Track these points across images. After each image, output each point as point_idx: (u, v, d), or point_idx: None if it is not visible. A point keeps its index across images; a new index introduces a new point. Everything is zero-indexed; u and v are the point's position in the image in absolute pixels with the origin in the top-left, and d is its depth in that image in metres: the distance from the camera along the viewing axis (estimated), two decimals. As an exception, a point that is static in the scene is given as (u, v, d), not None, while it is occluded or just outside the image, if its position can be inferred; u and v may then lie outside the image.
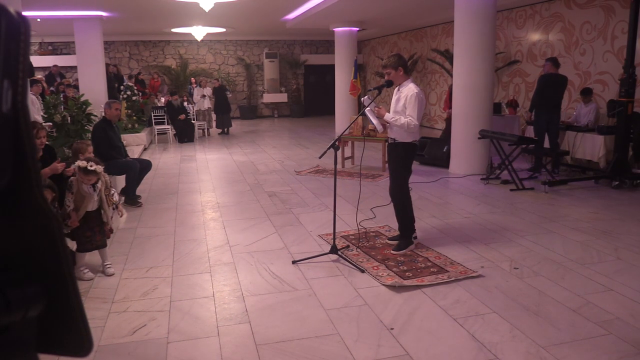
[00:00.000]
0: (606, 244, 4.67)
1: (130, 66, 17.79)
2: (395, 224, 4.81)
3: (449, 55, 12.11)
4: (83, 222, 4.04)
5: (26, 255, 0.78)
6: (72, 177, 4.12)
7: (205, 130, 13.85)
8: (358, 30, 13.84)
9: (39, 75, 13.17)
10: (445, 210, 5.99)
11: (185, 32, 15.74)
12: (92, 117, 7.28)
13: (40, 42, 16.48)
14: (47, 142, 4.96)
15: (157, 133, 12.66)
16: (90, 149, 5.05)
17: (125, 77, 14.99)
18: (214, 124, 14.46)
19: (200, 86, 14.21)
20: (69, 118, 7.04)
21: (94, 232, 4.13)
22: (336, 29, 13.54)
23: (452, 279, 3.91)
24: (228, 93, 14.55)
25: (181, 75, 17.56)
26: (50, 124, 7.15)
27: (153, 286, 3.88)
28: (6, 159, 0.69)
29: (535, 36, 10.23)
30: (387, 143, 4.85)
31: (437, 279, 3.90)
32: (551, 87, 7.63)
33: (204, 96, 13.85)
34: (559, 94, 7.70)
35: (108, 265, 4.18)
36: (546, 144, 7.90)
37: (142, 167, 6.50)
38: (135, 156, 7.93)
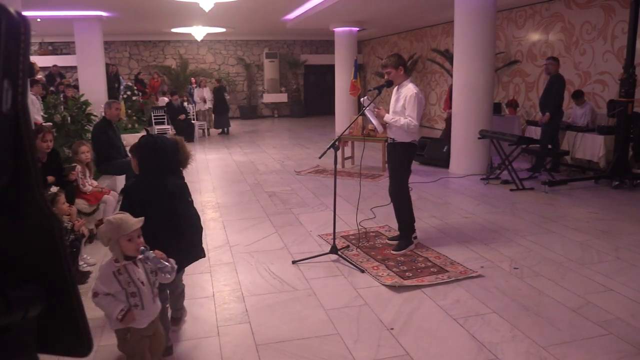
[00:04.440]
0: (606, 244, 4.67)
1: (130, 66, 17.79)
2: (395, 224, 4.81)
3: (449, 55, 12.10)
4: None
5: (26, 255, 0.78)
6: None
7: (205, 130, 13.85)
8: (358, 30, 13.84)
9: (39, 76, 13.16)
10: (445, 210, 5.99)
11: (185, 32, 15.73)
12: (92, 117, 7.28)
13: (40, 42, 16.48)
14: (52, 146, 4.93)
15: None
16: (84, 148, 5.06)
17: (122, 78, 14.97)
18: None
19: (200, 86, 14.19)
20: (69, 118, 7.03)
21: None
22: (336, 29, 13.54)
23: (452, 279, 3.91)
24: (226, 94, 14.54)
25: (181, 75, 17.54)
26: (50, 124, 7.14)
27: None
28: (6, 159, 0.69)
29: (535, 36, 10.23)
30: (386, 143, 4.85)
31: (437, 279, 3.90)
32: (564, 87, 7.67)
33: (203, 99, 13.85)
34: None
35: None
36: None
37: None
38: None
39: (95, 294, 2.26)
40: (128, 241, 2.22)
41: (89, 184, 5.07)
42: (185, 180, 3.01)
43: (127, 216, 2.27)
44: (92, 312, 3.45)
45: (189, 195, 2.96)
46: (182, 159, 2.90)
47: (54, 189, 4.20)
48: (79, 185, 4.95)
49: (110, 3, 10.36)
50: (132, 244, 2.23)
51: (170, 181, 2.80)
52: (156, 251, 2.26)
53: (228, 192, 7.15)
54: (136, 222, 2.24)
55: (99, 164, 6.05)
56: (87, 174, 5.11)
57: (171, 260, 2.31)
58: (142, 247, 2.26)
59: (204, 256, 3.08)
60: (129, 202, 2.82)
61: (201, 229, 3.05)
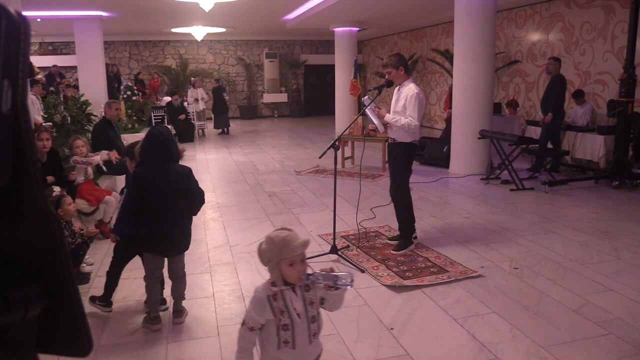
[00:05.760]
0: (606, 244, 4.67)
1: (130, 66, 17.78)
2: (395, 224, 4.81)
3: (449, 55, 12.10)
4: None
5: (26, 255, 0.78)
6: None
7: (204, 130, 13.86)
8: (358, 30, 13.84)
9: (39, 76, 13.17)
10: (445, 210, 5.99)
11: (185, 32, 15.73)
12: (92, 117, 7.28)
13: (40, 42, 16.47)
14: (52, 146, 4.93)
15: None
16: (78, 142, 5.09)
17: (123, 78, 14.97)
18: (208, 123, 14.49)
19: (195, 87, 14.16)
20: (69, 118, 7.04)
21: None
22: (336, 29, 13.54)
23: (452, 279, 3.91)
24: (225, 94, 14.53)
25: (181, 75, 17.54)
26: (50, 124, 7.15)
27: (153, 286, 3.88)
28: (6, 159, 0.69)
29: (535, 36, 10.23)
30: (387, 143, 4.85)
31: (437, 279, 3.90)
32: (565, 87, 7.67)
33: (196, 100, 13.84)
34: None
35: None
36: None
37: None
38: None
39: (242, 323, 1.96)
40: (289, 266, 1.87)
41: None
42: None
43: (291, 236, 1.90)
44: (92, 312, 3.46)
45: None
46: (179, 150, 3.44)
47: (56, 189, 4.19)
48: (88, 165, 5.05)
49: (110, 3, 10.36)
50: (294, 270, 1.87)
51: (179, 166, 3.20)
52: (324, 268, 1.91)
53: (228, 192, 7.15)
54: (300, 245, 1.87)
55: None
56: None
57: (347, 273, 1.89)
58: (307, 273, 1.88)
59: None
60: (137, 186, 3.14)
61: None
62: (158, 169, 3.10)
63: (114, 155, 5.40)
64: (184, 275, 3.36)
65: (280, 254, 1.86)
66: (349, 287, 1.85)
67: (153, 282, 3.26)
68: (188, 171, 3.22)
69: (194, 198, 3.22)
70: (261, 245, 1.93)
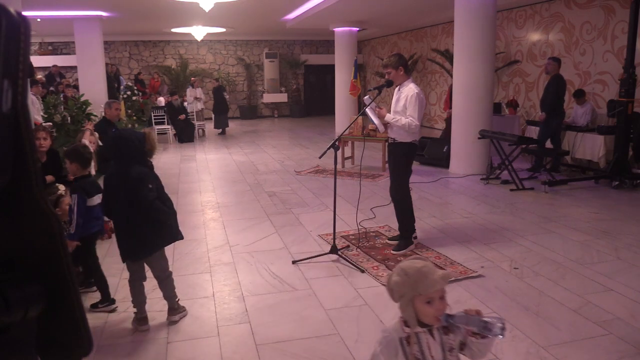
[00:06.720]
0: (606, 244, 4.66)
1: (130, 66, 17.78)
2: (395, 224, 4.81)
3: (449, 55, 12.10)
4: None
5: (26, 255, 0.78)
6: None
7: (204, 130, 13.86)
8: (358, 30, 13.84)
9: (39, 76, 13.16)
10: (445, 210, 5.99)
11: (185, 32, 15.73)
12: (92, 117, 7.29)
13: (40, 42, 16.47)
14: (52, 146, 4.92)
15: (157, 133, 12.64)
16: (92, 139, 5.12)
17: (122, 78, 14.97)
18: (208, 123, 14.48)
19: (193, 87, 14.15)
20: (69, 118, 7.04)
21: None
22: (336, 29, 13.54)
23: (452, 279, 3.91)
24: (225, 94, 14.52)
25: (181, 75, 17.54)
26: (50, 123, 7.15)
27: (153, 286, 3.86)
28: (6, 159, 0.69)
29: (535, 36, 10.23)
30: (387, 143, 4.85)
31: (437, 279, 3.90)
32: (564, 88, 7.67)
33: (197, 98, 13.84)
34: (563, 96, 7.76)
35: None
36: (547, 144, 7.93)
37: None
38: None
39: None
40: (426, 303, 1.58)
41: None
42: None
43: (428, 267, 1.61)
44: (92, 312, 3.46)
45: (151, 182, 3.15)
46: (147, 149, 3.21)
47: (60, 187, 4.18)
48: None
49: (110, 3, 10.36)
50: (431, 309, 1.58)
51: (134, 169, 3.09)
52: (468, 309, 1.59)
53: (228, 192, 7.15)
54: (440, 279, 1.57)
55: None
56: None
57: (497, 317, 1.57)
58: (446, 313, 1.58)
59: (182, 238, 3.38)
60: (104, 191, 3.21)
61: (173, 212, 3.27)
62: (115, 171, 3.15)
63: (89, 125, 5.90)
64: (169, 275, 3.35)
65: (415, 289, 1.58)
66: (500, 337, 1.52)
67: (135, 284, 3.27)
68: (140, 177, 3.07)
69: (143, 204, 3.06)
70: (391, 277, 1.65)
